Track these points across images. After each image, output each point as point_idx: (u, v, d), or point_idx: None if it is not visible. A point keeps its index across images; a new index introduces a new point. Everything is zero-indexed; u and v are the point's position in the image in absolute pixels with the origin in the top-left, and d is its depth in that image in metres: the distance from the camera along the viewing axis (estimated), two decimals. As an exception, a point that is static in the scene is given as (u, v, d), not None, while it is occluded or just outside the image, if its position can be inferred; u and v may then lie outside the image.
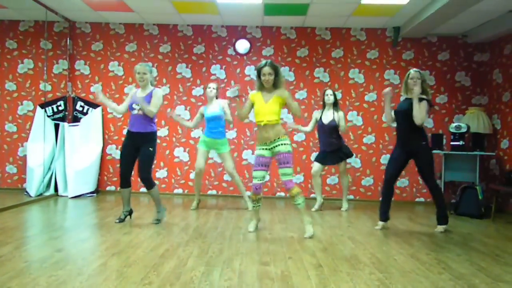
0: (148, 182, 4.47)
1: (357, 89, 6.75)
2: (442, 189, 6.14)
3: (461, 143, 6.07)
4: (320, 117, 5.65)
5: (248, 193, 5.36)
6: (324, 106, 5.67)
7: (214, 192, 6.79)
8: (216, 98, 5.45)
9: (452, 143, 6.15)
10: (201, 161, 5.42)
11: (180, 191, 6.83)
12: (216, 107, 5.37)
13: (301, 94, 6.73)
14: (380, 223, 4.59)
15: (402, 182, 6.70)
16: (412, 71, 4.36)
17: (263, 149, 4.12)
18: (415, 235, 4.39)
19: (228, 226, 4.54)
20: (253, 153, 6.75)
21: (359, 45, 6.77)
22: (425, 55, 6.73)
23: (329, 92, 5.60)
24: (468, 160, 6.01)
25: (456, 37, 6.69)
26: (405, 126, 4.39)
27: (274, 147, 4.07)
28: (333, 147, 5.59)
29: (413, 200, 6.71)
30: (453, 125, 6.14)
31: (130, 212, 4.69)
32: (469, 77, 6.71)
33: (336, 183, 6.71)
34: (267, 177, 6.41)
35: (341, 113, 5.61)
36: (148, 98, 4.40)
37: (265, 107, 4.06)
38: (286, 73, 6.76)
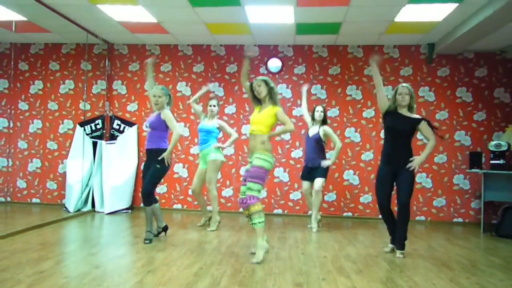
0: (147, 199, 4.45)
1: (391, 106, 6.66)
2: (482, 210, 5.93)
3: (501, 161, 5.84)
4: (307, 132, 5.64)
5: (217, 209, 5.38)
6: (313, 122, 5.64)
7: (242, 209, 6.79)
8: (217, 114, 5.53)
9: (492, 161, 5.92)
10: (195, 181, 5.48)
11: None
12: (213, 122, 5.40)
13: (333, 111, 6.70)
14: (391, 245, 4.36)
15: (439, 201, 6.51)
16: (400, 86, 4.23)
17: (249, 162, 3.98)
18: (454, 257, 4.23)
19: (260, 245, 4.53)
20: (284, 171, 6.76)
21: (392, 62, 6.70)
22: (461, 71, 6.58)
23: (319, 108, 5.57)
24: (510, 179, 5.77)
25: (494, 53, 6.52)
26: (399, 143, 4.18)
27: (251, 160, 3.92)
28: (315, 163, 5.49)
29: (450, 221, 6.49)
30: (493, 143, 5.92)
31: (164, 229, 4.77)
32: (509, 94, 6.50)
33: (370, 202, 6.59)
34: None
35: (326, 128, 5.51)
36: (158, 118, 4.46)
37: (256, 116, 3.99)
38: (318, 91, 6.77)
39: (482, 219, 5.93)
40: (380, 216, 4.44)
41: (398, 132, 4.18)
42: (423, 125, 4.16)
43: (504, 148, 5.81)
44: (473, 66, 6.57)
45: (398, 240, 4.22)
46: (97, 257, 3.87)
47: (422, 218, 6.53)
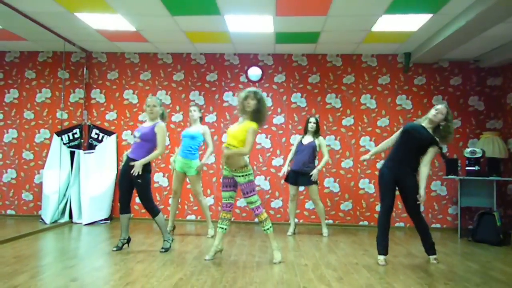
0: (151, 210, 4.52)
1: (370, 114, 6.76)
2: (459, 215, 6.05)
3: (476, 168, 5.98)
4: (301, 141, 5.79)
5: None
6: (305, 132, 5.82)
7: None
8: (201, 120, 5.57)
9: (467, 168, 6.06)
10: (176, 183, 5.49)
11: (193, 217, 6.84)
12: (197, 128, 5.42)
13: (313, 120, 6.76)
14: (382, 257, 4.21)
15: (417, 207, 6.60)
16: (441, 105, 4.21)
17: (225, 169, 4.18)
18: (432, 263, 4.29)
19: (241, 254, 4.51)
20: (265, 179, 6.76)
21: (370, 71, 6.81)
22: (437, 80, 6.74)
23: (312, 120, 5.78)
24: (485, 185, 5.91)
25: (468, 62, 6.70)
26: (412, 154, 4.18)
27: (233, 175, 4.14)
28: (306, 168, 5.63)
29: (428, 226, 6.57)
30: (468, 150, 6.06)
31: (128, 240, 4.68)
32: (483, 102, 6.67)
33: (351, 209, 6.65)
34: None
35: (321, 139, 5.79)
36: (151, 129, 4.41)
37: (232, 130, 4.09)
38: (298, 99, 6.82)
39: (459, 225, 6.05)
40: (379, 222, 4.26)
41: (418, 144, 4.16)
42: (432, 148, 4.15)
43: (479, 155, 5.96)
44: (448, 75, 6.74)
45: (430, 245, 4.33)
46: (74, 270, 3.78)
47: (401, 224, 6.61)
